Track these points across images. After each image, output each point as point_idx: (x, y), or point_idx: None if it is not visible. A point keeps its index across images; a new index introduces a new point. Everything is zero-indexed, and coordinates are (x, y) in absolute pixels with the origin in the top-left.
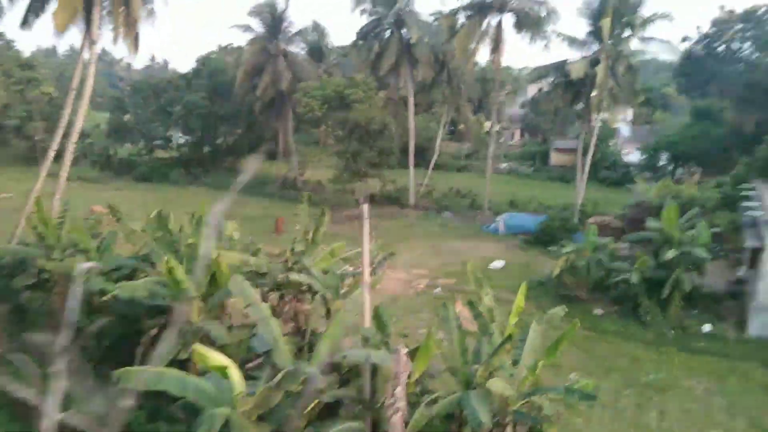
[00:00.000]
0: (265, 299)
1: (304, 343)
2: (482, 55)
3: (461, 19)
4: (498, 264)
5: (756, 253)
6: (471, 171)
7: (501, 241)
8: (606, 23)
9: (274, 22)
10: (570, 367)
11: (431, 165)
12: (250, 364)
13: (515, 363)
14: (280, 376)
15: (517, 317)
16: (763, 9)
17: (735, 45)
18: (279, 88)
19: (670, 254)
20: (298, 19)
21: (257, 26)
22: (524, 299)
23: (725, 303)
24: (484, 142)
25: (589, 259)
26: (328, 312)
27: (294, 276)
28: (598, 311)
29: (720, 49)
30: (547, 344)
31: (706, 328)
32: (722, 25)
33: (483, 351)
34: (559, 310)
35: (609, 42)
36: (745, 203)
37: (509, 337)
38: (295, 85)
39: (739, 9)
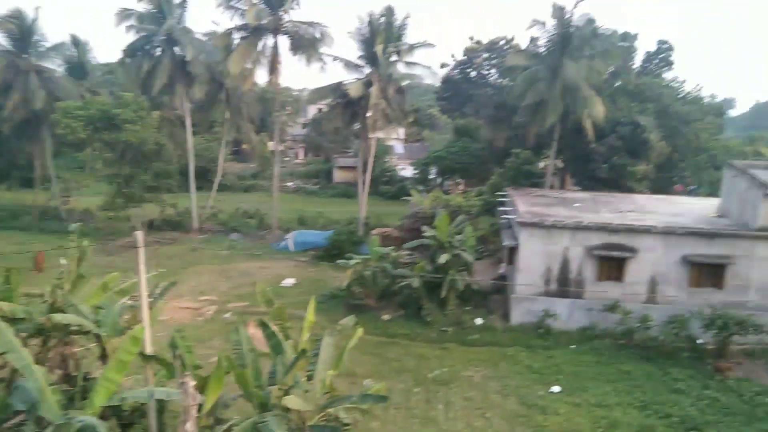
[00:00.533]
0: (25, 346)
1: (76, 390)
2: (261, 76)
3: (236, 39)
4: (289, 281)
5: (512, 251)
6: (258, 191)
7: (292, 259)
8: (378, 49)
9: (23, 34)
10: (365, 373)
11: (215, 186)
12: (9, 423)
13: (310, 378)
14: (49, 431)
15: (309, 332)
16: (502, 41)
17: (484, 71)
18: (32, 108)
19: (444, 258)
20: (55, 32)
21: (1, 39)
22: (315, 314)
23: (492, 297)
24: (269, 162)
25: (375, 269)
26: (104, 352)
27: (58, 317)
28: (386, 317)
29: (473, 74)
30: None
31: (479, 321)
32: (471, 53)
33: (278, 371)
34: (349, 320)
35: (380, 66)
36: (501, 208)
37: (302, 352)
38: (53, 104)
39: (484, 40)
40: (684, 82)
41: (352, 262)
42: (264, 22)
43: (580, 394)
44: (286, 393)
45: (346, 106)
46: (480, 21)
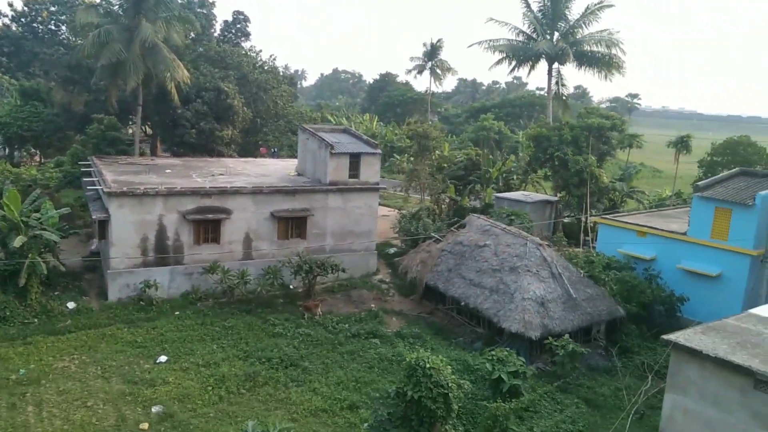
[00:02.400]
0: None
1: None
2: None
3: None
4: None
5: (103, 224)
6: None
7: None
8: None
9: None
10: None
11: None
12: None
13: None
14: None
15: None
16: None
17: (53, 27)
18: None
19: (18, 241)
20: None
21: None
22: None
23: (86, 277)
24: None
25: None
26: None
27: None
28: None
29: (40, 29)
30: None
31: (71, 305)
32: (35, 5)
33: None
34: None
35: None
36: (87, 179)
37: None
38: None
39: None
40: (260, 51)
41: None
42: None
43: (187, 358)
44: None
45: None
46: None
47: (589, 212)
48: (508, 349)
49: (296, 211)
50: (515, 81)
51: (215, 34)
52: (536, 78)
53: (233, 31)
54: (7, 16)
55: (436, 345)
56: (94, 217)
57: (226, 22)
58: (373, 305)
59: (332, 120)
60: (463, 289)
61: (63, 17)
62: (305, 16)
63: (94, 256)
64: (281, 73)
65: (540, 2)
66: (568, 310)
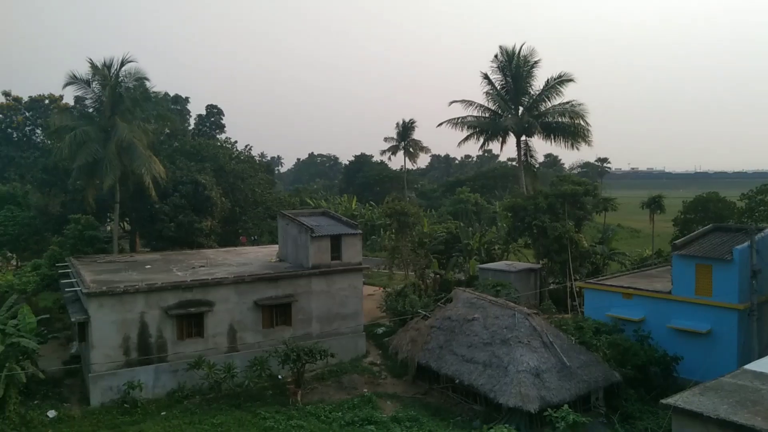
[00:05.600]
0: None
1: None
2: None
3: None
4: None
5: (83, 326)
6: None
7: None
8: None
9: None
10: None
11: None
12: None
13: None
14: None
15: None
16: (47, 100)
17: (29, 131)
18: None
19: None
20: None
21: None
22: None
23: (66, 382)
24: None
25: None
26: None
27: None
28: None
29: (15, 135)
30: None
31: (51, 414)
32: (10, 111)
33: None
34: None
35: None
36: (65, 281)
37: None
38: None
39: (24, 97)
40: (236, 142)
41: None
42: None
43: None
44: None
45: None
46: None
47: (572, 277)
48: (507, 425)
49: (280, 297)
50: (486, 154)
51: (190, 128)
52: (507, 149)
53: (207, 124)
54: None
55: (434, 427)
56: (73, 319)
57: (200, 116)
58: (365, 390)
59: (311, 203)
60: (456, 365)
61: (38, 121)
62: (279, 106)
63: (75, 359)
64: (258, 162)
65: (502, 80)
66: (564, 379)
